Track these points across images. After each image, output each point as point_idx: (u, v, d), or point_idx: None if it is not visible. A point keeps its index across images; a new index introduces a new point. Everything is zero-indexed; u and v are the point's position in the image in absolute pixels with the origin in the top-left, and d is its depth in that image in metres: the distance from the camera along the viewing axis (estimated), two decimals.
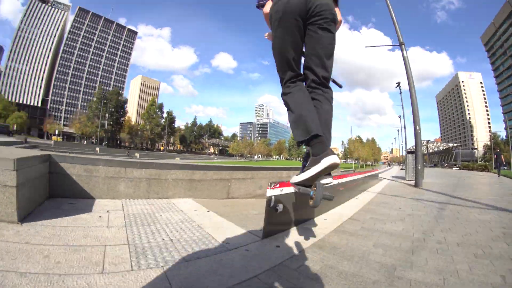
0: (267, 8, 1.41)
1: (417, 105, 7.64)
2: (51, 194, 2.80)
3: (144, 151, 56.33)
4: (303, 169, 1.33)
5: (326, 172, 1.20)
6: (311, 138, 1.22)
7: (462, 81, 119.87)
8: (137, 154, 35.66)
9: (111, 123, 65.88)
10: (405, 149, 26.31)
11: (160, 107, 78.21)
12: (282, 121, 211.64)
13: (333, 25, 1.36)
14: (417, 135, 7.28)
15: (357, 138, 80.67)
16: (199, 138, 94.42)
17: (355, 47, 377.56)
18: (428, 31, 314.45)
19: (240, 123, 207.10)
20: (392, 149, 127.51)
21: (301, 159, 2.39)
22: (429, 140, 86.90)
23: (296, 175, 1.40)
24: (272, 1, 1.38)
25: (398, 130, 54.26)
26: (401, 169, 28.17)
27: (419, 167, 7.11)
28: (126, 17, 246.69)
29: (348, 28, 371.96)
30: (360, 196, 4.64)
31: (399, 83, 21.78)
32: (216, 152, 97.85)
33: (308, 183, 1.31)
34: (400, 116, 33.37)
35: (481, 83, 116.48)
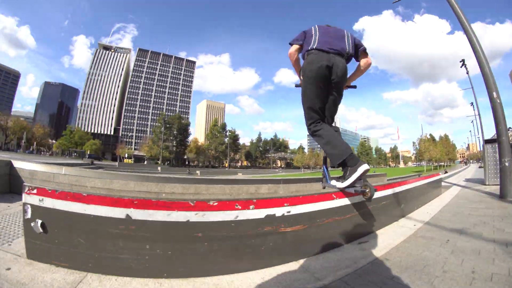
0: (293, 50, 2.10)
1: (489, 65, 4.50)
2: (11, 190, 3.48)
3: (208, 169, 58.89)
4: (344, 177, 1.86)
5: (363, 176, 1.77)
6: (348, 156, 1.82)
7: None
8: (198, 172, 36.58)
9: (175, 144, 71.56)
10: (482, 140, 20.95)
11: (223, 126, 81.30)
12: (350, 128, 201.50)
13: (344, 84, 2.05)
14: (496, 107, 4.11)
15: (428, 137, 70.52)
16: (264, 153, 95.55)
17: (412, 39, 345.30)
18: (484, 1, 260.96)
19: (308, 135, 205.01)
20: (468, 144, 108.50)
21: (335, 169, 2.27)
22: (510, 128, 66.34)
23: (339, 182, 1.93)
24: (304, 53, 2.02)
25: (472, 121, 44.13)
26: (480, 167, 22.87)
27: (507, 163, 4.02)
28: (186, 51, 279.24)
29: (400, 20, 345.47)
30: (390, 229, 2.35)
31: (463, 60, 19.21)
32: (283, 166, 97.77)
33: (351, 186, 1.83)
34: (472, 104, 27.50)
35: None
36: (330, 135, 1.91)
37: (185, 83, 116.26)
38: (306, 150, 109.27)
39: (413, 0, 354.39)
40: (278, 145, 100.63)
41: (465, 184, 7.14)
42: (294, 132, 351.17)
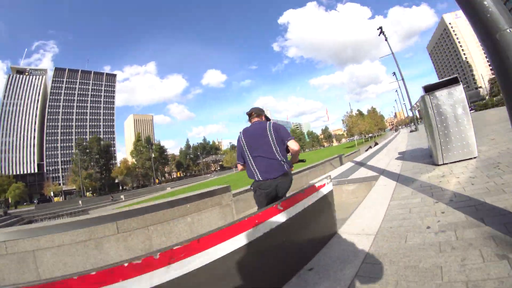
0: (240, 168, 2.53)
1: None
2: None
3: (136, 190, 55.60)
4: None
5: None
6: None
7: (450, 23, 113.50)
8: (122, 196, 34.94)
9: (98, 170, 65.60)
10: (409, 106, 23.26)
11: (148, 140, 77.28)
12: (281, 118, 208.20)
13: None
14: None
15: (356, 112, 75.93)
16: (196, 160, 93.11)
17: (335, 26, 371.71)
18: None
19: (240, 132, 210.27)
20: (395, 113, 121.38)
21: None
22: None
23: None
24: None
25: (396, 90, 49.14)
26: (411, 131, 20.78)
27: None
28: (110, 64, 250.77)
29: (324, 9, 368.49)
30: None
31: (381, 28, 19.30)
32: (218, 168, 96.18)
33: None
34: (394, 73, 30.18)
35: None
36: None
37: (107, 99, 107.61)
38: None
39: None
40: (209, 148, 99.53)
41: (402, 168, 4.91)
42: (229, 131, 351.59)
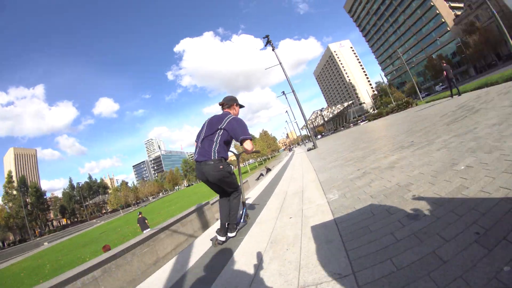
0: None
1: None
2: None
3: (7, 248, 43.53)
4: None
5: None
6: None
7: (335, 51, 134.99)
8: None
9: None
10: (305, 124, 23.73)
11: (22, 181, 61.47)
12: (175, 149, 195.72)
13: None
14: None
15: None
16: (83, 202, 74.71)
17: (229, 56, 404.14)
18: (293, 23, 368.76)
19: (133, 166, 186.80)
20: (287, 134, 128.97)
21: None
22: (322, 108, 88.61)
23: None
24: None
25: (286, 111, 53.21)
26: (309, 149, 15.27)
27: None
28: None
29: (220, 40, 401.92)
30: None
31: (267, 36, 17.53)
32: (109, 210, 78.34)
33: None
34: (283, 92, 29.57)
35: (351, 47, 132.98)
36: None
37: None
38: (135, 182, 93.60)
39: (232, 24, 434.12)
40: (96, 187, 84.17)
41: None
42: (124, 166, 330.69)
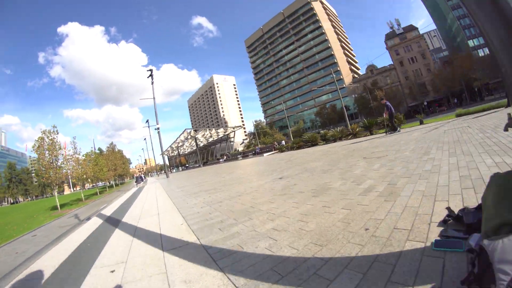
0: None
1: None
2: None
3: None
4: None
5: None
6: None
7: (217, 83, 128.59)
8: None
9: None
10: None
11: None
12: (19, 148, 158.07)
13: None
14: None
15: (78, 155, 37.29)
16: None
17: (110, 61, 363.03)
18: (183, 51, 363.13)
19: None
20: (145, 159, 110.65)
21: None
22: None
23: None
24: None
25: (145, 139, 41.30)
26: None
27: None
28: None
29: (107, 40, 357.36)
30: None
31: (151, 70, 19.44)
32: None
33: None
34: (147, 121, 29.22)
35: (234, 85, 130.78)
36: None
37: None
38: None
39: (126, 28, 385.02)
40: None
41: None
42: None
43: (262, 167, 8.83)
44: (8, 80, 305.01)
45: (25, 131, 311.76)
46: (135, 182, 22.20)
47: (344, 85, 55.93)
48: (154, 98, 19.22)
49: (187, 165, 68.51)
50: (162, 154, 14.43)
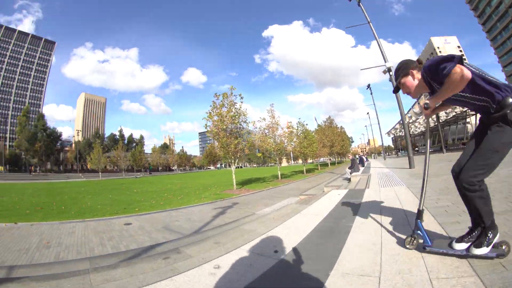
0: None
1: None
2: None
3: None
4: (484, 240, 1.59)
5: None
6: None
7: (438, 47, 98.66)
8: None
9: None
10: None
11: (40, 118, 63.51)
12: (252, 127, 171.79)
13: None
14: None
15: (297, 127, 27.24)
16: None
17: (318, 48, 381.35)
18: (387, 24, 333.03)
19: (199, 133, 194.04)
20: (369, 140, 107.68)
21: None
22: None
23: (473, 246, 1.63)
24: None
25: (366, 126, 59.58)
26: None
27: None
28: (92, 42, 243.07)
29: (309, 30, 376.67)
30: None
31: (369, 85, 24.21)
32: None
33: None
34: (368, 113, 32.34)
35: (458, 46, 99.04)
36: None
37: (40, 67, 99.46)
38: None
39: (323, 16, 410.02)
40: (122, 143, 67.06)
41: None
42: (200, 130, 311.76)
43: None
44: (236, 79, 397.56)
45: (255, 113, 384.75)
46: (349, 168, 11.06)
47: None
48: (369, 22, 13.02)
49: (416, 149, 49.54)
50: (402, 118, 7.76)
